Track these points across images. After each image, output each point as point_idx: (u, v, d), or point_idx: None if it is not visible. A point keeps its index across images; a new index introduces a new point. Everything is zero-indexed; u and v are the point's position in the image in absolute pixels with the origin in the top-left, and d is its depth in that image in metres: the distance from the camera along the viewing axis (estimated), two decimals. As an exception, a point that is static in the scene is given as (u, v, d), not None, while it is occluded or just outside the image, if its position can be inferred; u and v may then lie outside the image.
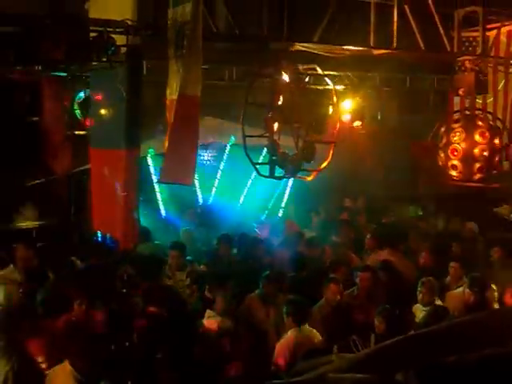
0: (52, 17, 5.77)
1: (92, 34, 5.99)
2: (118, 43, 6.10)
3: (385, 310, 6.17)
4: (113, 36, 5.98)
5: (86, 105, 8.85)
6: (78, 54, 5.65)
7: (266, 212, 12.16)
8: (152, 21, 6.57)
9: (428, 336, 2.48)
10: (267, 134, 7.13)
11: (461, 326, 2.60)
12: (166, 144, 6.67)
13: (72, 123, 9.39)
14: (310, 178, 7.63)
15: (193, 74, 6.19)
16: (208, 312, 6.18)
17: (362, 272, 7.39)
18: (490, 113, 9.57)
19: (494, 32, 9.59)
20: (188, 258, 8.05)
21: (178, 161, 6.54)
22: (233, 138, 11.23)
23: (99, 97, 7.26)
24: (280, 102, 7.14)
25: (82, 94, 9.18)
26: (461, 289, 7.03)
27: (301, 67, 7.49)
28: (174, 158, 6.57)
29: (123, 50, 6.28)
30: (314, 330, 6.12)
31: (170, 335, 5.56)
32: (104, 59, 5.97)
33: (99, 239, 8.69)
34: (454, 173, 8.93)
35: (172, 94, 6.56)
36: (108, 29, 5.98)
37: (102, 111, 7.29)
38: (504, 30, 9.69)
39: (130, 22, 6.08)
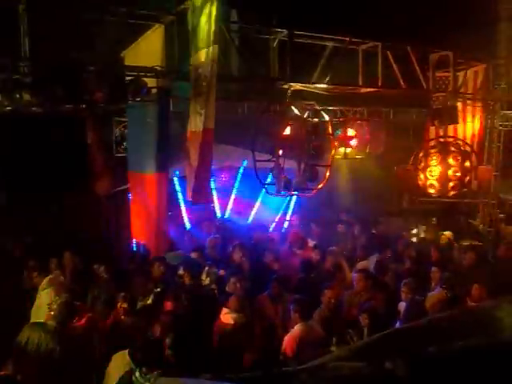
0: (95, 63, 5.83)
1: (128, 78, 6.04)
2: (149, 85, 6.14)
3: (368, 307, 6.10)
4: (144, 79, 6.02)
5: (123, 136, 8.95)
6: (116, 95, 5.70)
7: (274, 224, 12.14)
8: (177, 66, 6.59)
9: (411, 329, 2.46)
10: (274, 159, 7.16)
11: (439, 321, 2.57)
12: (188, 169, 6.70)
13: (112, 151, 9.45)
14: (310, 195, 7.63)
15: (209, 111, 6.23)
16: (224, 309, 6.14)
17: (356, 273, 7.34)
18: (460, 140, 9.54)
19: (463, 72, 9.60)
20: (208, 262, 8.02)
21: (201, 183, 6.58)
22: (245, 162, 11.27)
23: (134, 129, 7.35)
24: (285, 133, 7.18)
25: (120, 128, 9.28)
26: (439, 289, 6.92)
27: (302, 103, 7.53)
28: (195, 180, 6.61)
29: (154, 90, 6.33)
30: (318, 326, 6.06)
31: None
32: (138, 99, 6.01)
33: (134, 248, 8.71)
34: (431, 190, 8.88)
35: (191, 127, 6.59)
36: (140, 73, 6.03)
37: (137, 141, 7.38)
38: (471, 70, 9.71)
39: (159, 68, 6.13)
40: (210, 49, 5.81)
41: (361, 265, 8.33)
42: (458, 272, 7.65)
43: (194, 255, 8.12)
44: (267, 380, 1.81)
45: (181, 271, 7.27)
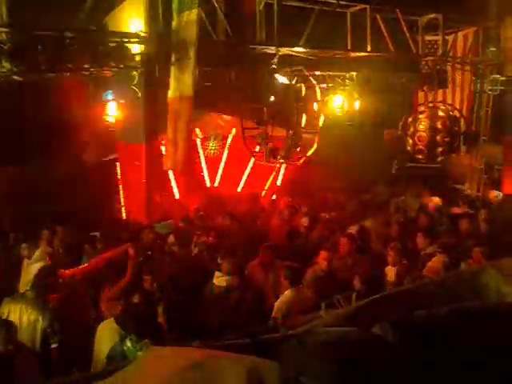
0: (77, 30, 5.67)
1: (111, 44, 5.88)
2: (133, 52, 6.00)
3: (363, 273, 6.17)
4: (128, 45, 5.87)
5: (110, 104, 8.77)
6: (99, 62, 5.56)
7: (264, 192, 12.12)
8: (162, 31, 6.43)
9: (400, 294, 2.47)
10: (262, 127, 7.09)
11: (427, 286, 2.59)
12: (166, 137, 6.62)
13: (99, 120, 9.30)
14: (298, 163, 7.61)
15: (186, 77, 6.09)
16: (217, 273, 6.18)
17: (342, 237, 7.38)
18: (449, 104, 9.51)
19: (452, 36, 9.50)
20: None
21: (180, 152, 6.50)
22: (233, 130, 11.17)
23: (120, 97, 7.21)
24: (272, 99, 7.09)
25: (107, 95, 9.09)
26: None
27: (289, 69, 7.41)
28: (176, 149, 6.53)
29: (138, 57, 6.18)
30: (307, 291, 6.13)
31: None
32: (121, 66, 5.87)
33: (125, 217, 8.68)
34: (420, 156, 8.90)
35: (171, 93, 6.47)
36: (124, 39, 5.87)
37: (124, 110, 7.24)
38: (461, 33, 9.60)
39: (142, 33, 5.97)
40: (192, 12, 5.65)
41: (350, 230, 8.39)
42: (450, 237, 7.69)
43: (183, 224, 8.12)
44: (256, 346, 1.81)
45: (170, 240, 7.27)
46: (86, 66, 5.48)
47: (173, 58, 6.17)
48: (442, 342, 1.85)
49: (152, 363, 1.51)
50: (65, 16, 6.01)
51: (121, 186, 8.46)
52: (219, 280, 6.09)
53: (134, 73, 6.15)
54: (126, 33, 6.04)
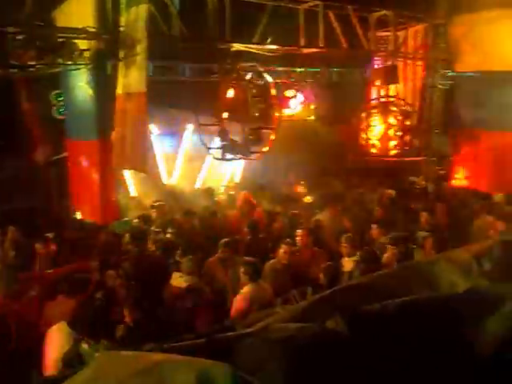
0: (23, 24, 5.45)
1: (59, 40, 5.69)
2: (81, 47, 5.82)
3: (327, 266, 6.23)
4: (77, 41, 5.70)
5: (60, 101, 8.51)
6: (46, 58, 5.36)
7: (222, 188, 12.06)
8: (110, 26, 6.28)
9: (354, 287, 2.49)
10: (218, 123, 7.05)
11: (381, 278, 2.61)
12: (115, 134, 6.48)
13: (49, 118, 9.02)
14: (256, 159, 7.61)
15: (136, 73, 5.98)
16: (175, 274, 6.11)
17: (299, 230, 7.43)
18: (401, 99, 9.71)
19: (403, 32, 9.70)
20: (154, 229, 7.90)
21: (130, 150, 6.38)
22: (190, 125, 11.05)
23: (70, 94, 6.99)
24: (228, 95, 7.05)
25: (56, 92, 8.82)
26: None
27: (244, 65, 7.39)
28: (125, 147, 6.41)
29: (87, 53, 6.01)
30: (266, 285, 6.15)
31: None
32: (69, 62, 5.69)
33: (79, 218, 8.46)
34: (374, 150, 9.06)
35: (121, 89, 6.35)
36: (72, 35, 5.69)
37: (74, 107, 7.03)
38: (411, 30, 9.81)
39: (91, 29, 5.80)
40: (140, 7, 5.54)
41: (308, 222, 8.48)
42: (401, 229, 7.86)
43: (139, 223, 7.97)
44: (211, 347, 1.79)
45: (126, 239, 7.14)
46: (31, 62, 5.27)
47: (121, 54, 6.02)
48: (393, 336, 1.88)
49: (102, 369, 1.47)
50: (7, 10, 5.78)
51: (72, 185, 8.21)
52: (178, 281, 6.02)
53: (84, 69, 5.98)
54: (74, 28, 5.85)
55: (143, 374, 1.33)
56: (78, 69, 5.88)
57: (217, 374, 1.37)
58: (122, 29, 5.98)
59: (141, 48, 5.76)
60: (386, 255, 6.64)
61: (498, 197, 9.06)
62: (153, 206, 9.23)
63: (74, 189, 8.21)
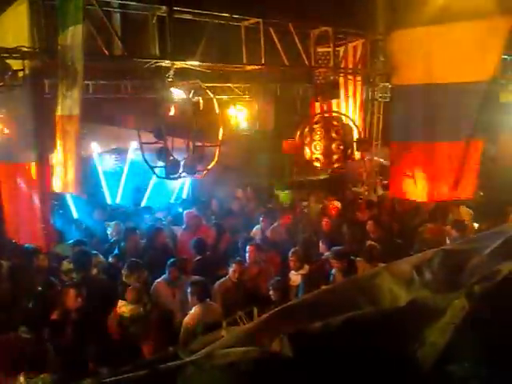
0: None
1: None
2: (15, 67, 5.61)
3: (276, 281, 6.25)
4: (8, 61, 5.49)
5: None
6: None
7: (168, 206, 11.93)
8: (46, 45, 6.10)
9: (298, 306, 2.49)
10: (161, 141, 6.97)
11: (325, 294, 2.62)
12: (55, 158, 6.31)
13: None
14: (201, 177, 7.56)
15: (71, 95, 5.85)
16: (120, 302, 5.95)
17: (249, 245, 7.43)
18: (342, 114, 9.93)
19: (343, 47, 9.94)
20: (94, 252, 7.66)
21: (66, 172, 6.23)
22: (133, 143, 10.90)
23: (3, 116, 6.69)
24: (170, 113, 7.00)
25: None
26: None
27: (186, 82, 7.36)
28: (63, 170, 6.24)
29: (21, 73, 5.80)
30: (215, 305, 6.08)
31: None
32: (1, 83, 5.47)
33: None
34: (317, 164, 9.18)
35: (59, 111, 6.20)
36: (4, 54, 5.48)
37: (7, 129, 6.73)
38: (351, 45, 10.06)
39: (25, 48, 5.61)
40: (77, 27, 5.43)
41: (253, 233, 8.53)
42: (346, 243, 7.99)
43: (76, 249, 7.66)
44: (151, 379, 1.74)
45: (66, 265, 6.88)
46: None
47: (59, 75, 5.86)
48: (338, 354, 1.89)
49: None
50: None
51: (6, 210, 7.79)
52: (121, 309, 5.89)
53: (19, 90, 5.75)
54: (6, 48, 5.63)
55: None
56: (12, 89, 5.66)
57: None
58: (59, 48, 5.80)
59: (77, 68, 5.62)
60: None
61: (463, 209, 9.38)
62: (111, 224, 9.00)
63: (6, 215, 7.80)
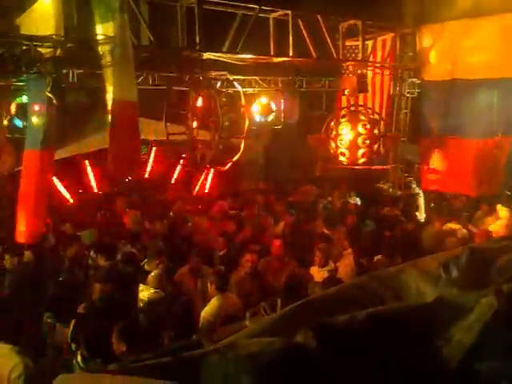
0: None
1: (23, 48, 5.56)
2: (46, 55, 5.70)
3: (290, 274, 6.22)
4: (40, 49, 5.58)
5: (23, 111, 8.28)
6: (7, 67, 5.23)
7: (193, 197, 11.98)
8: (79, 35, 6.19)
9: (323, 299, 2.47)
10: (188, 132, 7.00)
11: (350, 289, 2.60)
12: (113, 143, 6.37)
13: (12, 128, 8.78)
14: (225, 168, 7.58)
15: (127, 82, 5.95)
16: (140, 286, 6.03)
17: (275, 239, 7.41)
18: (369, 108, 9.83)
19: (372, 41, 9.83)
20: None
21: (124, 159, 6.29)
22: (159, 134, 10.96)
23: (33, 103, 6.77)
24: (197, 104, 7.02)
25: (20, 100, 8.60)
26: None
27: (213, 73, 7.37)
28: (120, 155, 6.30)
29: (50, 61, 5.88)
30: (235, 297, 6.10)
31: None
32: (32, 70, 5.55)
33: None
34: (342, 158, 9.13)
35: (113, 96, 6.29)
36: (36, 43, 5.57)
37: (35, 116, 6.80)
38: (380, 39, 9.96)
39: (55, 37, 5.69)
40: (122, 16, 5.55)
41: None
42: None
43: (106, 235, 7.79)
44: (175, 366, 1.75)
45: (93, 253, 6.98)
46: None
47: (104, 64, 5.99)
48: (361, 347, 1.87)
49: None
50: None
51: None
52: (141, 294, 5.94)
53: (48, 78, 5.84)
54: (37, 36, 5.73)
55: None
56: (43, 77, 5.74)
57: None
58: (100, 37, 5.93)
59: (128, 57, 5.74)
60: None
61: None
62: (128, 212, 9.12)
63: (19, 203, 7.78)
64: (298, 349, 1.86)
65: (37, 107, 6.23)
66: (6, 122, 8.51)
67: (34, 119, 6.40)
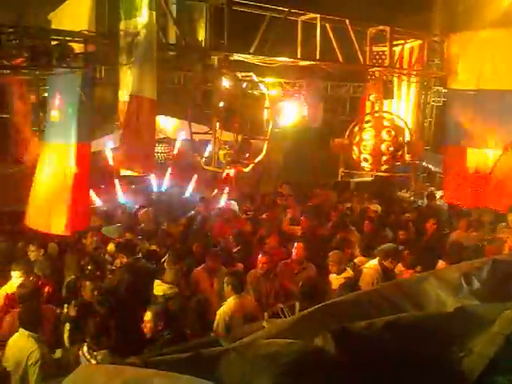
0: (17, 26, 5.42)
1: (54, 43, 5.67)
2: (76, 51, 5.80)
3: (306, 279, 6.17)
4: (71, 44, 5.68)
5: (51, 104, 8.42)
6: (39, 60, 5.33)
7: (212, 197, 12.03)
8: (107, 31, 6.29)
9: (342, 304, 2.47)
10: (211, 132, 7.04)
11: (369, 295, 2.60)
12: (127, 138, 6.43)
13: (38, 120, 8.93)
14: (247, 169, 7.60)
15: (148, 79, 6.01)
16: (156, 281, 6.07)
17: (297, 242, 7.35)
18: (394, 114, 9.77)
19: (399, 48, 9.78)
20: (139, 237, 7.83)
21: (137, 152, 6.34)
22: (183, 134, 11.05)
23: (59, 96, 6.86)
24: (221, 105, 7.05)
25: (46, 94, 8.75)
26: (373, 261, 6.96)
27: (239, 74, 7.40)
28: (132, 150, 6.35)
29: (81, 56, 5.97)
30: (250, 297, 6.09)
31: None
32: (64, 65, 5.65)
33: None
34: (365, 164, 9.07)
35: (123, 95, 6.35)
36: (67, 38, 5.67)
37: (60, 110, 6.89)
38: (407, 46, 9.90)
39: (86, 32, 5.79)
40: (150, 14, 5.62)
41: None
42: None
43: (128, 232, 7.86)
44: (195, 362, 1.76)
45: (111, 247, 7.05)
46: (24, 64, 5.24)
47: (123, 61, 6.07)
48: (380, 354, 1.86)
49: (84, 381, 1.44)
50: (1, 10, 5.74)
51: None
52: (157, 289, 5.99)
53: (78, 73, 5.94)
54: (70, 31, 5.83)
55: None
56: (72, 72, 5.84)
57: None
58: (121, 35, 6.01)
59: (151, 54, 5.82)
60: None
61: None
62: (138, 210, 9.18)
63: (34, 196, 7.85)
64: (317, 352, 1.86)
65: (68, 101, 6.35)
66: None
67: (65, 113, 6.52)
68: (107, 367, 1.54)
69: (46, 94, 7.66)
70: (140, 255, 7.02)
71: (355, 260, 7.18)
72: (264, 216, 9.42)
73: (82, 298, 5.71)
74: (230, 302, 5.76)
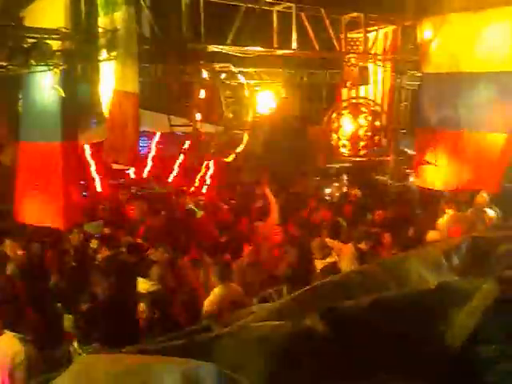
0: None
1: (30, 41, 5.59)
2: (54, 48, 5.73)
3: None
4: (48, 42, 5.61)
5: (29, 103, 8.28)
6: (17, 60, 5.26)
7: (193, 189, 12.03)
8: (84, 27, 6.22)
9: (328, 285, 2.53)
10: (191, 124, 7.04)
11: (354, 276, 2.66)
12: (113, 132, 6.43)
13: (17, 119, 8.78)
14: (229, 159, 7.62)
15: (129, 74, 6.00)
16: (139, 279, 6.09)
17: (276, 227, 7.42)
18: (371, 100, 9.84)
19: (373, 34, 9.82)
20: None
21: (122, 146, 6.34)
22: (162, 127, 10.98)
23: (36, 95, 6.78)
24: (200, 96, 7.05)
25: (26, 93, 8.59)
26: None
27: (217, 66, 7.39)
28: (117, 143, 6.35)
29: (58, 54, 5.90)
30: (236, 286, 6.15)
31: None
32: (42, 63, 5.58)
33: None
34: (344, 150, 9.15)
35: (104, 91, 6.33)
36: (44, 35, 5.60)
37: (38, 108, 6.81)
38: (381, 31, 9.94)
39: (63, 29, 5.72)
40: (128, 8, 5.59)
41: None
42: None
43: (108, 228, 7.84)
44: (190, 348, 1.81)
45: (94, 243, 7.02)
46: (2, 63, 5.16)
47: (103, 57, 6.03)
48: (367, 331, 1.93)
49: (84, 371, 1.47)
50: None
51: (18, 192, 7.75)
52: (140, 286, 6.01)
53: (56, 70, 5.87)
54: (46, 29, 5.76)
55: (127, 375, 1.34)
56: (50, 70, 5.77)
57: (204, 373, 1.39)
58: (100, 31, 5.97)
59: (132, 49, 5.80)
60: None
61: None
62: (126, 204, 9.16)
63: (20, 195, 7.77)
64: (307, 331, 1.92)
65: (47, 100, 6.29)
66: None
67: (45, 111, 6.47)
68: (108, 355, 1.57)
69: (22, 94, 7.57)
70: (123, 249, 7.03)
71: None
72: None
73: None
74: (216, 292, 5.81)
